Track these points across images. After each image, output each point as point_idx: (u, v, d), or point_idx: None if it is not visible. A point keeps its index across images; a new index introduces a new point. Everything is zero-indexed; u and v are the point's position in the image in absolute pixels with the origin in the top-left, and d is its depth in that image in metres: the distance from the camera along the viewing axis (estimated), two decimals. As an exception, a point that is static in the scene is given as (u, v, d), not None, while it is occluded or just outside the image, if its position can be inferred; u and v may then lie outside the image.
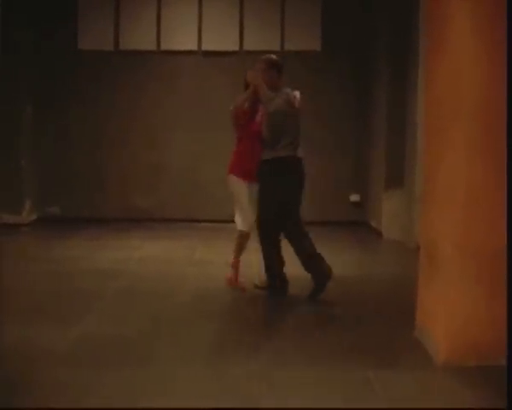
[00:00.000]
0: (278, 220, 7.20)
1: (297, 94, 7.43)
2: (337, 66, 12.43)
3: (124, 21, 12.46)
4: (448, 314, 4.82)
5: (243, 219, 7.42)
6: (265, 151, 7.09)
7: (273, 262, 7.27)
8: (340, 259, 9.30)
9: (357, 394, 4.38)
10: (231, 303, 6.98)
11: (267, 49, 12.32)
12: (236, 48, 12.43)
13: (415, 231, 9.48)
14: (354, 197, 12.53)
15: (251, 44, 12.39)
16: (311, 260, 7.12)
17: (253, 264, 8.17)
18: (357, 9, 12.33)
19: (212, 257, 9.29)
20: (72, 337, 5.60)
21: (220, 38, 12.42)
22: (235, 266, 7.57)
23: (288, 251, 7.32)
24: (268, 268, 7.27)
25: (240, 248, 7.61)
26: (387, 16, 11.07)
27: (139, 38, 12.44)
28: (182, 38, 12.48)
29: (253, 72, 7.25)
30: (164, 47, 12.49)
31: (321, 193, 12.46)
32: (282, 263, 7.35)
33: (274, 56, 7.38)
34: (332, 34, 12.37)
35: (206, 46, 12.47)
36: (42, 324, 6.05)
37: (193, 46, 12.47)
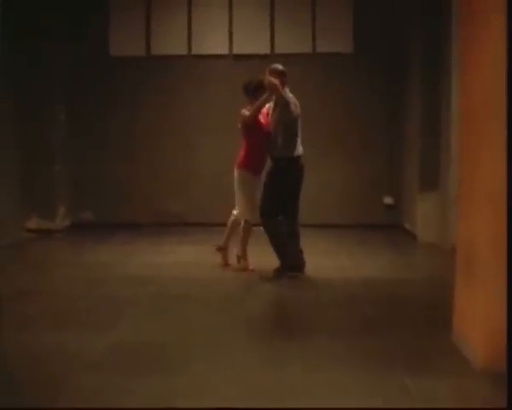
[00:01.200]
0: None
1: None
2: (369, 67, 12.32)
3: (155, 27, 12.48)
4: (486, 318, 4.72)
5: (250, 210, 8.25)
6: (283, 149, 7.96)
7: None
8: (375, 262, 9.24)
9: (395, 400, 4.30)
10: (265, 308, 6.93)
11: (298, 51, 12.32)
12: (267, 51, 12.38)
13: (450, 234, 9.36)
14: (388, 200, 12.41)
15: (282, 47, 12.34)
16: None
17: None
18: (389, 10, 12.22)
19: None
20: (105, 343, 5.59)
21: (251, 42, 12.38)
22: (245, 255, 8.45)
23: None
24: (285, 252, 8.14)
25: (246, 237, 8.40)
26: (419, 17, 10.95)
27: (170, 42, 12.45)
28: (213, 41, 12.46)
29: (270, 78, 7.84)
30: (195, 51, 12.48)
31: (354, 196, 12.38)
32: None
33: (279, 65, 8.16)
34: (364, 36, 12.27)
35: (237, 50, 12.44)
36: (75, 330, 6.06)
37: (224, 50, 12.45)
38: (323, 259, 9.43)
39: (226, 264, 8.71)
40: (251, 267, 8.44)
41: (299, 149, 8.04)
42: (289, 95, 8.04)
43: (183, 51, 12.44)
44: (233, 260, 8.70)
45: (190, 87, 12.29)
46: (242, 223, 8.40)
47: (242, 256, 8.49)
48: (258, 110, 8.10)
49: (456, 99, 9.29)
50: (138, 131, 12.42)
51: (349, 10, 12.28)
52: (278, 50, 12.35)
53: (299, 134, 8.07)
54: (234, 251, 8.71)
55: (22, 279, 8.24)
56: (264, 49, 12.35)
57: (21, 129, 11.50)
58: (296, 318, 6.51)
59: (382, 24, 12.26)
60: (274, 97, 7.97)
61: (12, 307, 6.87)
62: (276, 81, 7.79)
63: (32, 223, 11.81)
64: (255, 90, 8.22)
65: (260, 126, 8.21)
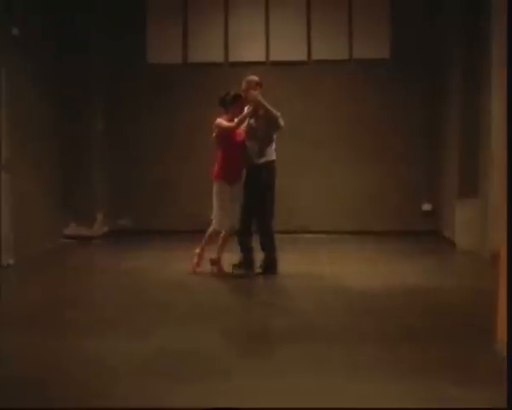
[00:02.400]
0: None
1: None
2: (406, 73, 12.26)
3: (192, 35, 12.53)
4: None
5: (226, 219, 8.60)
6: (271, 152, 8.74)
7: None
8: (414, 269, 9.16)
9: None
10: (305, 315, 6.89)
11: (335, 58, 12.29)
12: (304, 58, 12.37)
13: (489, 241, 9.26)
14: (426, 206, 12.32)
15: (319, 54, 12.32)
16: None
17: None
18: (425, 16, 12.14)
19: (285, 268, 9.21)
20: (147, 350, 5.60)
21: (288, 48, 12.37)
22: (201, 254, 8.86)
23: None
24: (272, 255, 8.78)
25: (224, 245, 8.78)
26: (458, 23, 10.87)
27: (207, 50, 12.50)
28: (249, 49, 12.48)
29: (253, 93, 8.43)
30: (232, 59, 12.51)
31: (392, 202, 12.30)
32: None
33: (255, 77, 8.77)
34: (401, 41, 12.21)
35: (274, 57, 12.44)
36: (116, 336, 6.08)
37: (261, 57, 12.46)
38: (362, 266, 9.40)
39: (221, 270, 8.82)
40: (198, 269, 8.78)
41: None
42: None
43: (219, 59, 12.47)
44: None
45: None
46: (223, 232, 8.72)
47: (218, 261, 8.79)
48: (242, 123, 8.51)
49: (496, 104, 9.21)
50: (176, 140, 12.47)
51: (386, 16, 12.23)
52: (315, 57, 12.35)
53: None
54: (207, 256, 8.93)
55: (62, 286, 8.31)
56: (301, 55, 12.35)
57: (61, 137, 11.61)
58: (336, 326, 6.48)
59: (419, 29, 12.19)
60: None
61: (53, 314, 6.92)
62: (257, 94, 8.46)
63: (71, 230, 11.91)
64: (232, 102, 8.60)
65: (235, 136, 8.55)
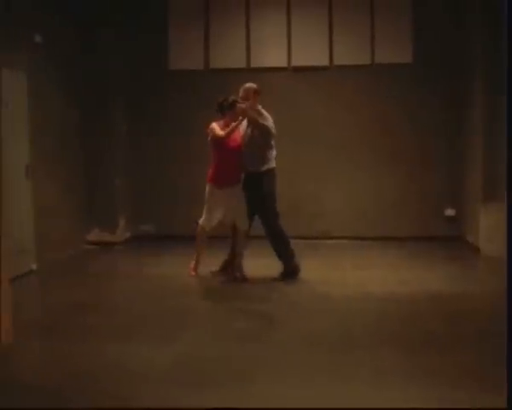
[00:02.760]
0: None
1: None
2: (429, 78, 12.16)
3: (213, 40, 12.53)
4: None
5: (207, 219, 8.86)
6: (268, 161, 8.73)
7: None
8: (437, 275, 9.10)
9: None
10: (328, 321, 6.85)
11: (357, 63, 12.24)
12: (326, 63, 12.33)
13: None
14: (449, 212, 12.21)
15: (341, 59, 12.27)
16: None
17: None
18: (448, 19, 12.05)
19: (308, 275, 9.19)
20: (170, 355, 5.60)
21: (310, 54, 12.33)
22: (197, 258, 9.05)
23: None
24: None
25: (201, 241, 9.04)
26: (480, 27, 10.80)
27: (228, 56, 12.48)
28: (271, 54, 12.45)
29: (241, 106, 8.49)
30: (254, 64, 12.49)
31: (415, 208, 12.21)
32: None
33: (252, 84, 8.80)
34: (424, 46, 12.12)
35: (295, 62, 12.41)
36: (139, 342, 6.09)
37: (282, 62, 12.43)
38: (386, 272, 9.35)
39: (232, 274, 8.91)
40: (193, 273, 9.00)
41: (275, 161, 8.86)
42: (265, 114, 8.72)
43: (241, 64, 12.45)
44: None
45: (249, 100, 12.27)
46: (198, 228, 9.00)
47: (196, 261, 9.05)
48: (232, 133, 8.56)
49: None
50: (197, 145, 12.41)
51: (408, 20, 12.14)
52: (337, 62, 12.29)
53: (274, 149, 8.86)
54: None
55: (84, 291, 8.34)
56: (323, 60, 12.30)
57: (83, 143, 11.67)
58: (360, 332, 6.44)
59: (442, 33, 12.10)
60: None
61: (75, 320, 6.94)
62: (244, 106, 8.48)
63: (93, 235, 11.95)
64: (228, 108, 8.68)
65: (228, 142, 8.63)
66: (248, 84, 8.80)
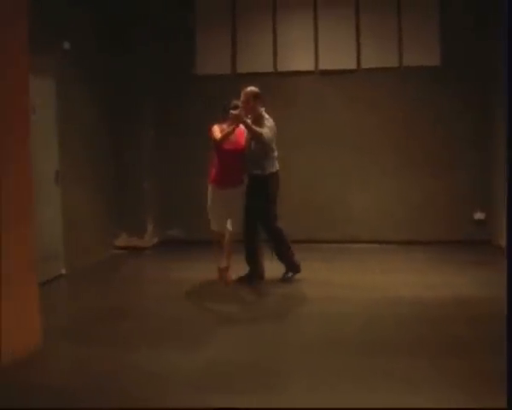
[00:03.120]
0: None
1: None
2: (457, 80, 12.08)
3: (240, 44, 12.55)
4: None
5: (212, 220, 9.03)
6: (270, 165, 8.79)
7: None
8: (466, 279, 9.02)
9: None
10: (357, 326, 6.83)
11: (385, 65, 12.19)
12: (354, 66, 12.29)
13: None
14: (479, 215, 12.11)
15: (368, 62, 12.23)
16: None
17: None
18: (475, 21, 11.96)
19: (335, 279, 9.18)
20: (200, 361, 5.61)
21: (337, 57, 12.31)
22: (222, 264, 8.96)
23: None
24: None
25: (216, 246, 9.10)
26: (507, 26, 10.69)
27: (256, 60, 12.49)
28: (298, 58, 12.45)
29: (234, 113, 8.50)
30: (281, 68, 12.49)
31: (443, 211, 12.13)
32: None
33: (253, 88, 8.81)
34: (451, 48, 12.04)
35: (323, 65, 12.38)
36: (169, 347, 6.12)
37: (310, 66, 12.41)
38: (413, 276, 9.30)
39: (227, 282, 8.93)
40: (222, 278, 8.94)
41: (277, 165, 8.97)
42: (265, 116, 8.78)
43: (268, 68, 12.46)
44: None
45: (277, 104, 12.20)
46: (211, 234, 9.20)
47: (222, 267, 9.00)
48: (226, 137, 8.62)
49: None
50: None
51: (435, 22, 12.08)
52: (365, 65, 12.26)
53: (275, 153, 8.93)
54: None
55: (114, 297, 8.39)
56: (350, 64, 12.27)
57: (111, 149, 11.75)
58: (387, 336, 6.41)
59: (469, 35, 12.01)
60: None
61: (105, 325, 6.98)
62: (237, 113, 8.47)
63: (122, 240, 12.01)
64: (230, 111, 8.68)
65: (225, 146, 8.71)
66: (249, 89, 8.82)
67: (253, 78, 12.06)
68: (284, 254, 9.01)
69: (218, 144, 8.72)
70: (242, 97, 8.75)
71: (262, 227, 8.95)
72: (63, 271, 9.65)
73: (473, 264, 10.26)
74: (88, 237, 10.70)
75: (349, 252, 11.44)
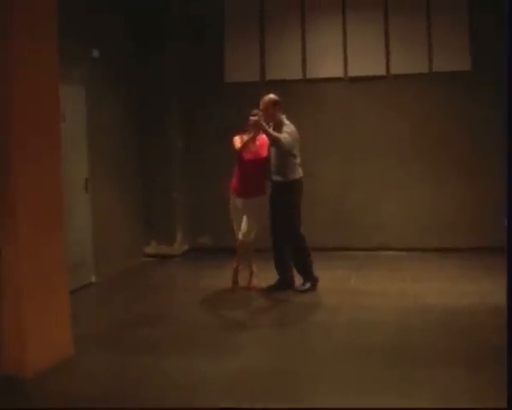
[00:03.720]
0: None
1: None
2: (489, 85, 11.93)
3: (269, 52, 12.54)
4: None
5: (236, 230, 9.06)
6: (292, 172, 8.68)
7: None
8: (499, 288, 8.80)
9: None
10: (387, 335, 6.77)
11: (415, 71, 12.11)
12: (383, 72, 12.23)
13: None
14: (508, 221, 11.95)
15: (398, 68, 12.16)
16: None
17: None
18: (506, 24, 11.82)
19: (364, 287, 9.12)
20: (229, 370, 5.60)
21: (366, 64, 12.25)
22: (235, 270, 9.19)
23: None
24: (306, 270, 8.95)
25: (239, 255, 9.18)
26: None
27: (285, 67, 12.47)
28: (327, 65, 12.40)
29: (253, 119, 8.56)
30: (309, 75, 12.46)
31: (474, 218, 12.00)
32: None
33: (272, 95, 8.83)
34: (482, 52, 11.92)
35: (352, 72, 12.33)
36: (199, 355, 6.11)
37: (339, 73, 12.37)
38: (446, 284, 9.21)
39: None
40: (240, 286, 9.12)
41: (301, 171, 8.82)
42: (286, 122, 8.74)
43: (297, 76, 12.42)
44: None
45: (306, 111, 12.23)
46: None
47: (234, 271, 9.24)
48: (246, 146, 8.67)
49: None
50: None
51: (465, 27, 11.97)
52: (394, 71, 12.18)
53: (298, 159, 8.79)
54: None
55: (144, 304, 8.40)
56: (379, 70, 12.21)
57: (141, 156, 11.79)
58: (418, 345, 6.35)
59: (500, 39, 11.87)
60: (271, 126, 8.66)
61: (135, 333, 6.99)
62: (256, 119, 8.48)
63: (151, 248, 12.04)
64: (250, 118, 8.78)
65: (245, 155, 8.78)
66: (267, 97, 8.85)
67: (282, 85, 12.09)
68: (303, 263, 8.94)
69: (238, 154, 8.77)
70: (262, 106, 8.78)
71: (284, 234, 8.85)
72: (93, 279, 9.69)
73: (504, 271, 10.09)
74: (117, 245, 10.74)
75: (378, 260, 11.36)
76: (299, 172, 8.84)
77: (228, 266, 10.82)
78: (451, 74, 12.00)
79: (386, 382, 5.26)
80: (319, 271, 9.17)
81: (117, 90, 10.93)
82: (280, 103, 8.85)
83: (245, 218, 8.86)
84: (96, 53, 10.06)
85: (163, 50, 11.93)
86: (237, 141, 8.80)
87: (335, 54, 12.36)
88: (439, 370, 5.54)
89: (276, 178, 8.79)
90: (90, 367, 5.99)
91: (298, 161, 8.82)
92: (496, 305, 7.83)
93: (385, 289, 8.89)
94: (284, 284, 8.87)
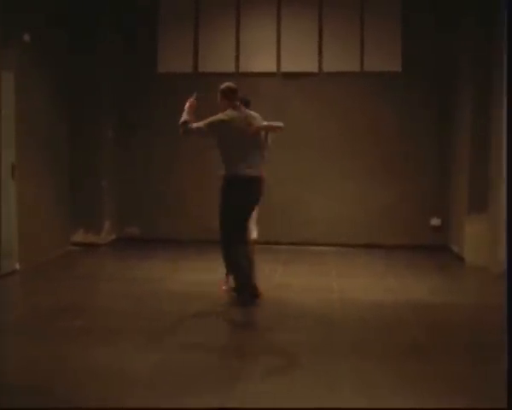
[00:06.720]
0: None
1: (256, 116, 8.42)
2: (418, 86, 12.17)
3: (203, 44, 12.51)
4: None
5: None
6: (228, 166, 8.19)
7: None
8: (422, 284, 9.08)
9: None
10: (308, 331, 6.83)
11: (346, 70, 12.24)
12: (315, 69, 12.33)
13: (500, 257, 9.16)
14: (435, 221, 12.22)
15: (330, 66, 12.27)
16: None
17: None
18: (436, 27, 12.05)
19: (291, 281, 9.18)
20: (152, 361, 5.55)
21: (299, 60, 12.33)
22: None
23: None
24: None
25: None
26: (467, 31, 10.86)
27: (218, 60, 12.46)
28: (260, 59, 12.44)
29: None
30: (242, 69, 12.47)
31: (401, 216, 12.21)
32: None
33: (224, 84, 8.36)
34: (412, 54, 12.12)
35: (285, 68, 12.40)
36: (123, 346, 6.03)
37: (272, 68, 12.42)
38: (370, 280, 9.34)
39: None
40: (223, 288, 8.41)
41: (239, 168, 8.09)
42: (246, 112, 8.32)
43: (230, 69, 12.42)
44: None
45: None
46: None
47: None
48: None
49: (509, 118, 9.12)
50: (184, 148, 12.40)
51: (397, 28, 12.15)
52: (326, 69, 12.30)
53: (239, 154, 8.15)
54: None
55: (68, 293, 8.28)
56: (312, 67, 12.31)
57: (70, 144, 11.62)
58: (340, 339, 6.41)
59: (430, 40, 12.10)
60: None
61: (58, 322, 6.88)
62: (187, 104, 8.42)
63: (78, 236, 11.89)
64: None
65: None
66: (223, 85, 8.45)
67: (214, 77, 12.05)
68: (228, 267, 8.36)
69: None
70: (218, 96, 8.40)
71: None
72: (17, 266, 9.50)
73: (429, 269, 10.30)
74: (44, 233, 10.55)
75: (306, 255, 11.45)
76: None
77: (154, 256, 10.79)
78: (382, 74, 12.16)
79: (311, 374, 5.30)
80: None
81: (47, 77, 10.73)
82: (226, 92, 8.33)
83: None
84: (26, 37, 9.84)
85: (95, 37, 11.76)
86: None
87: (269, 49, 12.41)
88: (358, 363, 5.61)
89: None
90: (7, 358, 5.85)
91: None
92: (418, 301, 7.98)
93: (310, 284, 8.96)
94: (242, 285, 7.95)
